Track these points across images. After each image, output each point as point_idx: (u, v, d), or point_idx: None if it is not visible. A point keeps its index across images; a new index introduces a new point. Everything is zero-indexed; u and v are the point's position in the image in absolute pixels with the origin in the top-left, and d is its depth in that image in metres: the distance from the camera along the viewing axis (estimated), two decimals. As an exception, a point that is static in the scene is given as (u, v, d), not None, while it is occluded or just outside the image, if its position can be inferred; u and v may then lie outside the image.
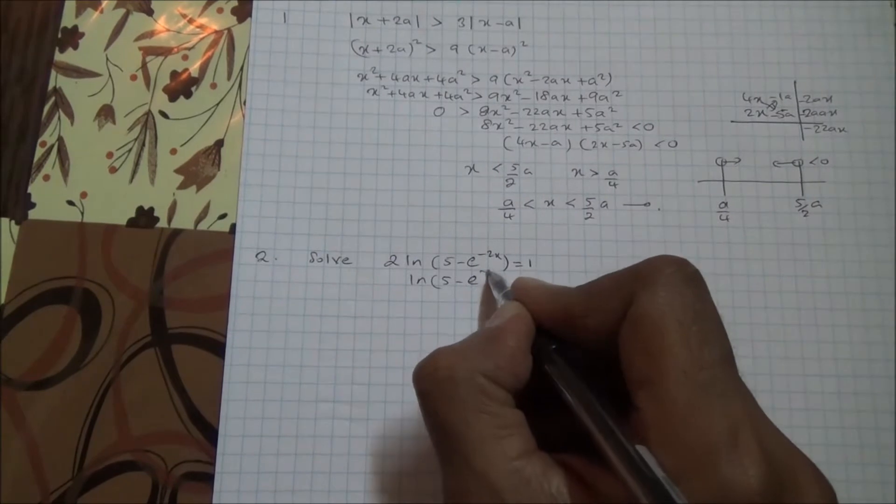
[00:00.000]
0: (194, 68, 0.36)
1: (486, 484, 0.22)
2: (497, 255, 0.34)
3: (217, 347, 0.33)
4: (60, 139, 0.35)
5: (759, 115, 0.36)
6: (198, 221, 0.34)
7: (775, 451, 0.21)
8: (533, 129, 0.36)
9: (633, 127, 0.36)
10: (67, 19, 0.37)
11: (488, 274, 0.33)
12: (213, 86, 0.36)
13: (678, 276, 0.24)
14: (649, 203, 0.35)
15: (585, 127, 0.36)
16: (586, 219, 0.35)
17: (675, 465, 0.21)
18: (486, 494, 0.22)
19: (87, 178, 0.35)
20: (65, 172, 0.35)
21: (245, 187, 0.35)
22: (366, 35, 0.37)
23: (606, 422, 0.22)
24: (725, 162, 0.36)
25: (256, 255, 0.34)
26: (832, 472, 0.23)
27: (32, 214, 0.34)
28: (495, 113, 0.36)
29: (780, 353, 0.33)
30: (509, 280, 0.31)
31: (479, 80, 0.36)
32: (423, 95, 0.36)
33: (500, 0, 0.37)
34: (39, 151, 0.35)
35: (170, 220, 0.34)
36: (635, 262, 0.34)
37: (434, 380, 0.24)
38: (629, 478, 0.21)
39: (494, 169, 0.35)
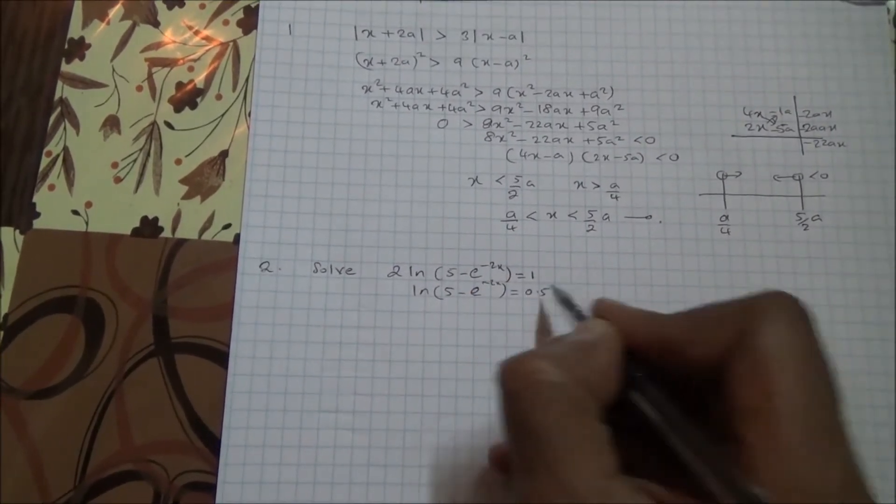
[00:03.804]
0: (200, 79, 0.37)
1: (571, 497, 0.21)
2: (500, 267, 0.34)
3: (220, 357, 0.33)
4: (66, 149, 0.36)
5: (759, 129, 0.37)
6: (202, 231, 0.35)
7: None
8: (535, 142, 0.36)
9: (635, 140, 0.36)
10: (74, 30, 0.37)
11: (553, 290, 0.30)
12: (219, 97, 0.36)
13: (797, 314, 0.23)
14: (651, 216, 0.35)
15: (587, 140, 0.36)
16: (588, 231, 0.35)
17: None
18: None
19: (92, 188, 0.35)
20: (70, 182, 0.35)
21: (249, 198, 0.35)
22: (370, 48, 0.37)
23: (717, 460, 0.22)
24: (726, 175, 0.36)
25: (260, 266, 0.34)
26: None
27: (37, 224, 0.34)
28: (498, 125, 0.36)
29: (780, 365, 0.33)
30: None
31: (482, 92, 0.37)
32: (427, 108, 0.36)
33: (503, 14, 0.38)
34: (45, 161, 0.35)
35: (174, 229, 0.35)
36: (637, 273, 0.35)
37: (529, 381, 0.23)
38: None
39: (497, 181, 0.36)
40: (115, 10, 0.37)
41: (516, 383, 0.24)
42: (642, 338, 0.26)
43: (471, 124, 0.36)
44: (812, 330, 0.24)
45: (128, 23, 0.37)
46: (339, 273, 0.34)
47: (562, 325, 0.29)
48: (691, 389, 0.24)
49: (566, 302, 0.29)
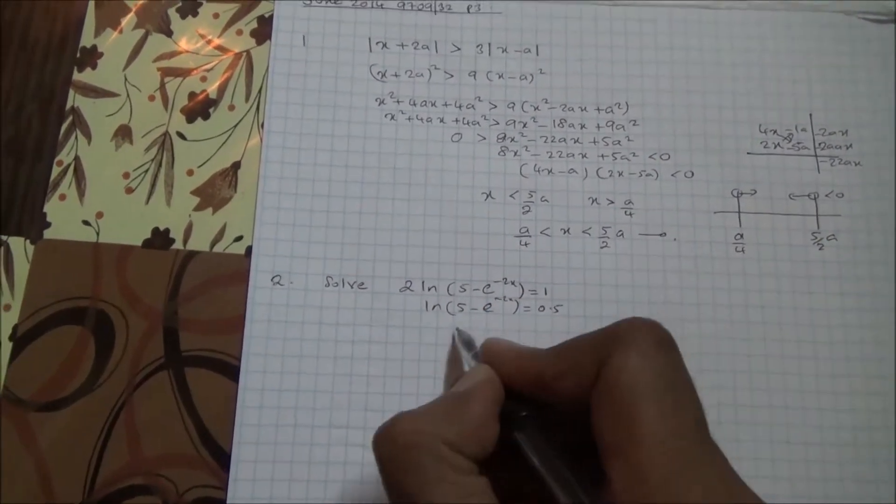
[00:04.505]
0: (212, 90, 0.36)
1: None
2: (512, 283, 0.34)
3: (231, 371, 0.33)
4: (77, 159, 0.35)
5: (775, 147, 0.36)
6: (213, 243, 0.34)
7: None
8: (550, 157, 0.36)
9: (650, 156, 0.36)
10: (86, 39, 0.37)
11: (457, 332, 0.32)
12: (231, 108, 0.36)
13: (650, 340, 0.24)
14: (665, 233, 0.35)
15: (602, 155, 0.36)
16: (602, 247, 0.35)
17: None
18: None
19: (103, 199, 0.35)
20: (81, 192, 0.35)
21: (261, 210, 0.35)
22: (384, 60, 0.37)
23: (580, 499, 0.22)
24: (741, 193, 0.36)
25: (272, 279, 0.34)
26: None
27: (48, 234, 0.34)
28: (512, 140, 0.36)
29: (794, 385, 0.33)
30: (479, 339, 0.31)
31: (496, 106, 0.37)
32: (441, 121, 0.36)
33: (518, 27, 0.38)
34: (56, 170, 0.35)
35: (185, 241, 0.34)
36: (651, 291, 0.34)
37: (394, 446, 0.24)
38: None
39: (511, 196, 0.35)
40: (128, 19, 0.37)
41: (384, 449, 0.24)
42: (518, 377, 0.26)
43: (485, 138, 0.36)
44: (669, 353, 0.24)
45: (140, 31, 0.37)
46: (351, 287, 0.34)
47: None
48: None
49: (467, 344, 0.31)
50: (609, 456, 0.22)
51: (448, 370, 0.33)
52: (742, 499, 0.22)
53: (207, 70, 0.37)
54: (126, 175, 0.35)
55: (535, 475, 0.24)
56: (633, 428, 0.22)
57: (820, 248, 0.35)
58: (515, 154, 0.36)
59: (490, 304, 0.34)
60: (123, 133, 0.36)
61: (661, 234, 0.35)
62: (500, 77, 0.37)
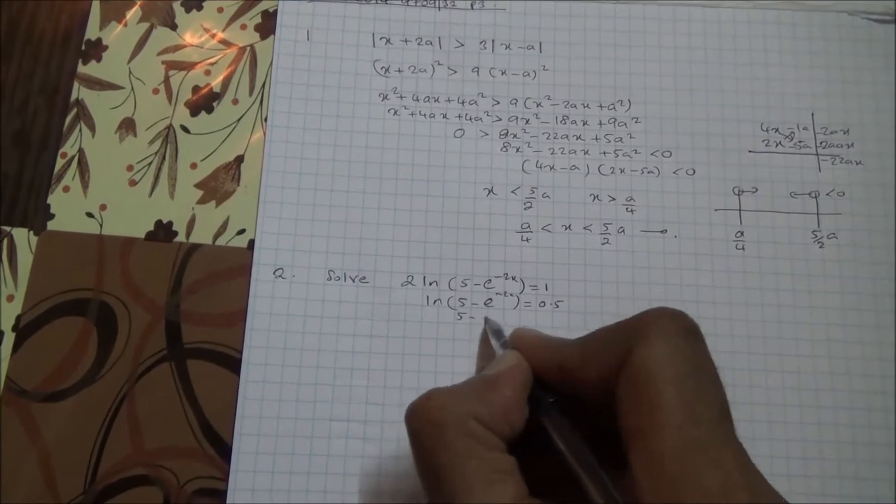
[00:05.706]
0: (216, 83, 0.37)
1: None
2: (513, 278, 0.34)
3: (232, 363, 0.33)
4: (81, 151, 0.35)
5: (776, 145, 0.36)
6: (216, 237, 0.35)
7: None
8: (552, 153, 0.36)
9: (652, 154, 0.36)
10: (91, 31, 0.37)
11: (486, 321, 0.33)
12: (235, 101, 0.36)
13: (675, 329, 0.24)
14: (666, 230, 0.35)
15: (604, 152, 0.36)
16: (603, 244, 0.35)
17: None
18: None
19: (107, 191, 0.35)
20: (85, 184, 0.35)
21: (264, 204, 0.35)
22: (388, 55, 0.37)
23: (603, 481, 0.23)
24: (742, 191, 0.36)
25: (274, 272, 0.34)
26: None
27: (51, 225, 0.34)
28: (515, 136, 0.36)
29: (793, 383, 0.33)
30: (508, 329, 0.31)
31: (499, 102, 0.37)
32: (444, 117, 0.36)
33: (522, 24, 0.38)
34: (60, 162, 0.35)
35: (188, 234, 0.35)
36: (652, 288, 0.35)
37: (426, 420, 0.24)
38: None
39: (513, 192, 0.36)
40: (133, 12, 0.37)
41: (416, 423, 0.25)
42: (545, 365, 0.27)
43: (487, 134, 0.36)
44: (693, 344, 0.24)
45: (145, 25, 0.37)
46: (353, 281, 0.34)
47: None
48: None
49: (496, 333, 0.31)
50: (630, 441, 0.23)
51: (479, 355, 0.33)
52: (759, 489, 0.22)
53: (211, 64, 0.37)
54: (130, 167, 0.35)
55: (561, 459, 0.24)
56: (653, 414, 0.22)
57: (820, 247, 0.35)
58: (517, 150, 0.36)
59: (491, 299, 0.34)
60: (127, 126, 0.36)
61: (662, 232, 0.35)
62: (502, 73, 0.37)
